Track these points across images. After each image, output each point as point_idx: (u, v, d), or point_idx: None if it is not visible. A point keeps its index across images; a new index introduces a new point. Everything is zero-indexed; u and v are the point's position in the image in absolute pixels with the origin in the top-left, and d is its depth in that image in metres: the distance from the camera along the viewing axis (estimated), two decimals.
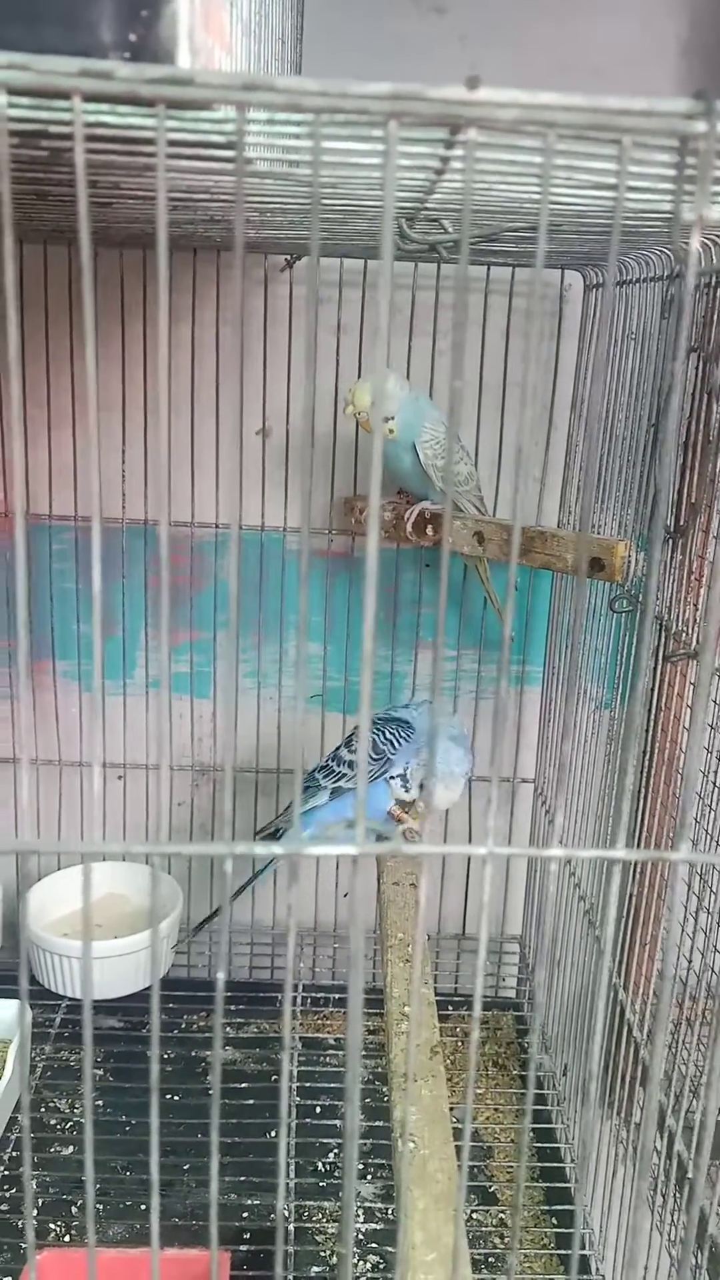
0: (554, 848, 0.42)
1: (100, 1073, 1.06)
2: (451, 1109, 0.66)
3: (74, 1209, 0.89)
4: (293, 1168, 0.94)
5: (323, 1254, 0.88)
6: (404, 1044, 0.69)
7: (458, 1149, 0.63)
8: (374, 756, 0.99)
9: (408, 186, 0.51)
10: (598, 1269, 0.88)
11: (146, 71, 0.33)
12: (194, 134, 0.43)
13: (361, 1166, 0.97)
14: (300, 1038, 1.12)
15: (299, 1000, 1.17)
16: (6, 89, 0.33)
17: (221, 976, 0.41)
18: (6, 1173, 0.91)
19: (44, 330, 1.04)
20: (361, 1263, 0.88)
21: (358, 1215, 0.92)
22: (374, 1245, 0.89)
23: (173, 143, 0.45)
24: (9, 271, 0.35)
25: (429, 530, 1.01)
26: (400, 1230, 0.59)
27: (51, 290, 1.03)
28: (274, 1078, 1.07)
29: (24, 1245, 0.85)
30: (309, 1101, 1.03)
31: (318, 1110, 1.02)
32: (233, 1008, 1.15)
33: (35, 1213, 0.89)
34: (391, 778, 0.98)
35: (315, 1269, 0.86)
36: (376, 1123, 0.99)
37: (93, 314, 0.37)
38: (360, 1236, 0.90)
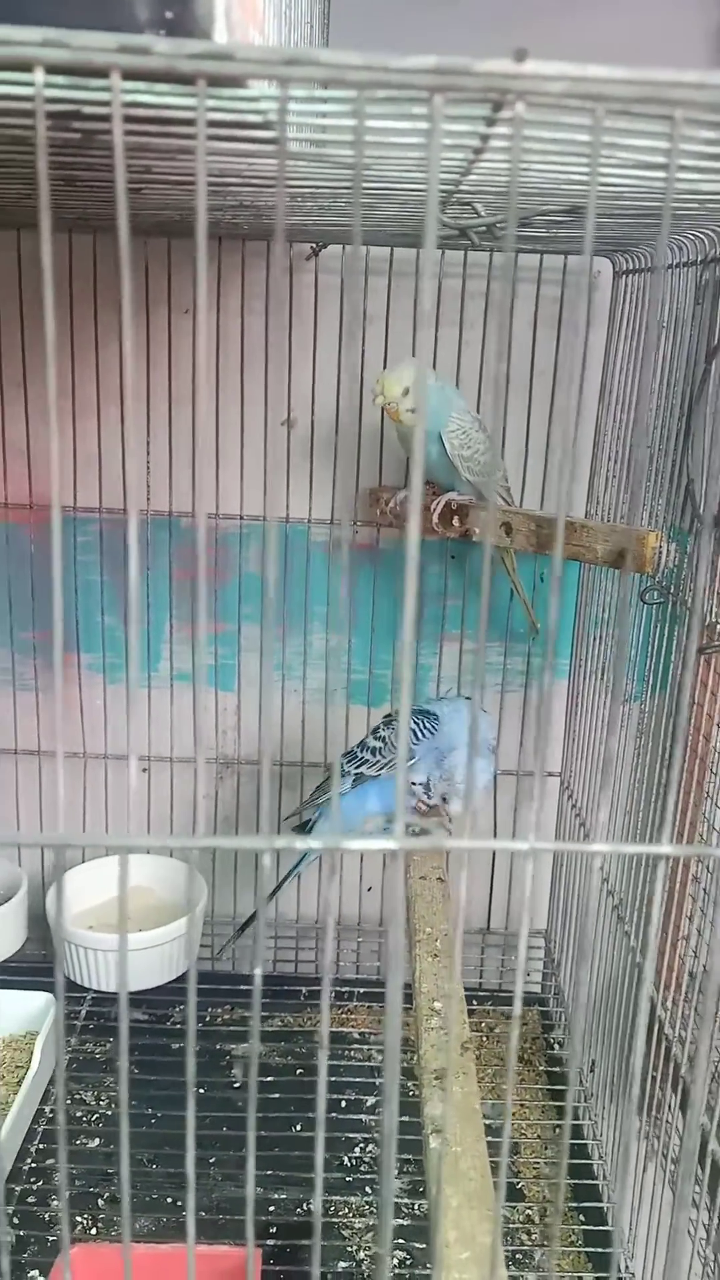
0: (598, 843, 0.41)
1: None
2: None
3: (100, 1202, 0.89)
4: (321, 1162, 0.93)
5: (349, 1249, 0.88)
6: (434, 1039, 0.69)
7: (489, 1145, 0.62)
8: (396, 747, 0.98)
9: (444, 168, 0.50)
10: (627, 1267, 0.87)
11: (186, 46, 0.33)
12: (231, 114, 0.43)
13: None
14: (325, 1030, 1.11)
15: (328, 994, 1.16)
16: (43, 66, 0.32)
17: (258, 973, 0.41)
18: (34, 1165, 0.91)
19: (68, 319, 1.04)
20: (389, 1258, 0.87)
21: None
22: (400, 1241, 0.89)
23: (208, 123, 0.44)
24: (47, 256, 0.34)
25: (455, 521, 1.00)
26: (433, 1228, 0.59)
27: (76, 279, 1.03)
28: (298, 1071, 1.07)
29: (51, 1238, 0.85)
30: (334, 1096, 1.02)
31: (343, 1105, 1.02)
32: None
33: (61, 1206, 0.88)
34: (415, 783, 0.97)
35: (343, 1264, 0.86)
36: (402, 1118, 0.98)
37: (130, 302, 0.36)
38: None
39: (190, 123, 0.44)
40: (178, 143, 0.48)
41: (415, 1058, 0.70)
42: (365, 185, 0.59)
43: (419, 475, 0.38)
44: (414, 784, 0.97)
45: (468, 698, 1.00)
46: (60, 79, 0.37)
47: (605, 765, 0.39)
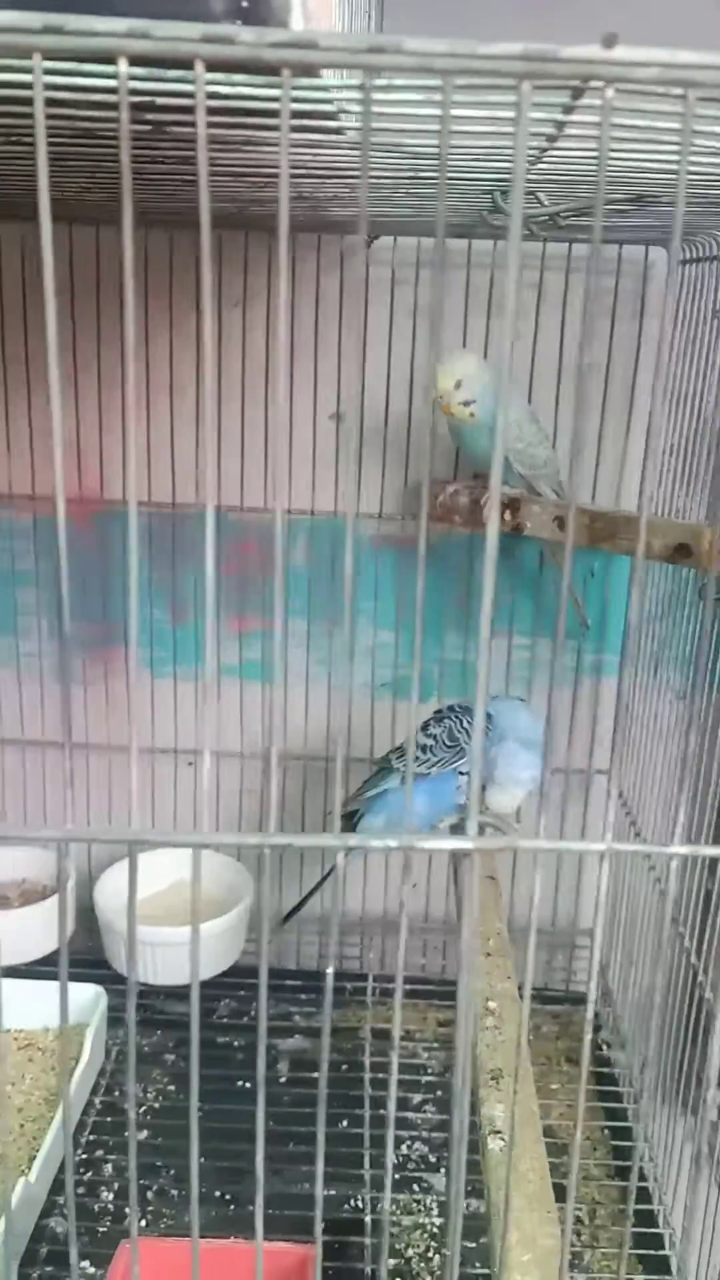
0: (676, 844, 0.40)
1: (171, 1058, 1.06)
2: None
3: (149, 1194, 0.90)
4: (367, 1159, 0.93)
5: (397, 1246, 0.87)
6: (490, 1039, 0.68)
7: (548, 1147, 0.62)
8: (448, 744, 0.97)
9: (513, 156, 0.49)
10: (678, 1268, 0.86)
11: (269, 35, 0.32)
12: (306, 104, 0.42)
13: (434, 1160, 0.96)
14: (370, 1029, 1.11)
15: (371, 991, 1.16)
16: (127, 57, 0.32)
17: (330, 971, 0.40)
18: (83, 1156, 0.92)
19: (115, 314, 1.04)
20: (436, 1256, 0.87)
21: (431, 1209, 0.91)
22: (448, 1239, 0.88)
23: (274, 113, 0.44)
24: (128, 250, 0.34)
25: (506, 515, 0.99)
26: (493, 1230, 0.58)
27: (122, 273, 1.03)
28: (343, 1067, 1.07)
29: (100, 1229, 0.86)
30: (381, 1093, 1.02)
31: (388, 1102, 1.01)
32: (301, 997, 1.15)
33: (110, 1198, 0.89)
34: (463, 772, 0.96)
35: (392, 1261, 0.86)
36: (448, 1115, 0.98)
37: (211, 296, 0.36)
38: (435, 1230, 0.89)
39: (260, 114, 0.44)
40: (245, 134, 0.47)
41: (471, 1056, 0.69)
42: (428, 175, 0.58)
43: (498, 471, 0.38)
44: (463, 772, 0.96)
45: (520, 699, 0.99)
46: (137, 70, 0.36)
47: (685, 764, 0.38)
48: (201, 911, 1.08)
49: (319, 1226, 0.42)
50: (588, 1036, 0.40)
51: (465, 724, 0.96)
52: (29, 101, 0.43)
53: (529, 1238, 0.55)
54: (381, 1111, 0.99)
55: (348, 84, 0.37)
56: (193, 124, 0.45)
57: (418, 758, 0.99)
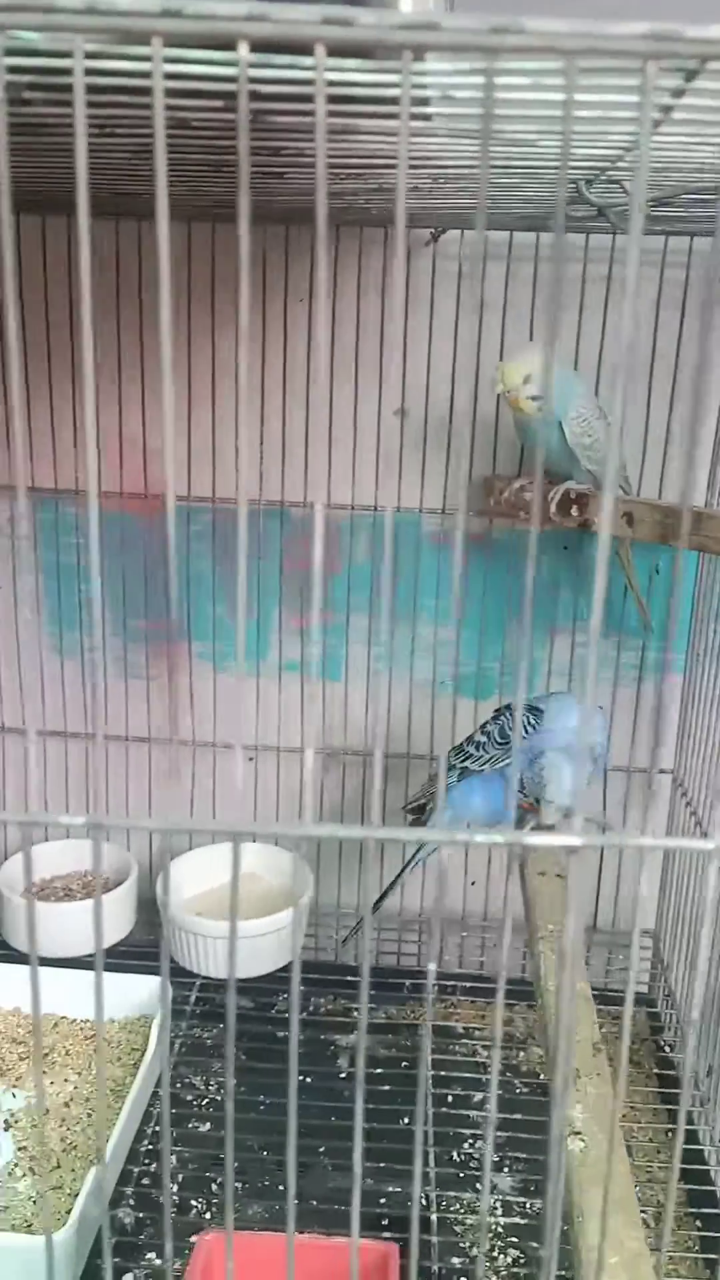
0: None
1: (234, 1051, 1.07)
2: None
3: (214, 1186, 0.90)
4: (431, 1156, 0.93)
5: (462, 1245, 0.87)
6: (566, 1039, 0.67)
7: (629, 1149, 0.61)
8: (499, 742, 0.97)
9: (610, 143, 0.49)
10: None
11: (390, 18, 0.32)
12: (395, 90, 0.42)
13: (498, 1159, 0.96)
14: (431, 1025, 1.10)
15: (431, 987, 1.15)
16: (248, 42, 0.32)
17: (433, 968, 0.40)
18: (149, 1147, 0.92)
19: (186, 308, 1.04)
20: (502, 1256, 0.86)
21: (496, 1208, 0.90)
22: (514, 1240, 0.88)
23: (375, 100, 0.43)
24: (244, 245, 0.34)
25: (574, 510, 0.98)
26: (574, 1231, 0.57)
27: (195, 267, 1.03)
28: (403, 1064, 1.06)
29: (162, 1221, 0.86)
30: (441, 1090, 1.02)
31: (450, 1099, 1.01)
32: (369, 993, 1.14)
33: (175, 1189, 0.89)
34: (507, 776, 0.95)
35: (456, 1260, 0.85)
36: (515, 1115, 0.98)
37: (327, 295, 0.35)
38: (499, 1229, 0.88)
39: (358, 100, 0.44)
40: (342, 122, 0.47)
41: (546, 1056, 0.68)
42: (516, 165, 0.58)
43: (614, 473, 0.37)
44: (506, 776, 0.95)
45: (568, 693, 0.97)
46: (252, 56, 0.36)
47: None
48: (266, 905, 1.09)
49: (415, 1226, 0.41)
50: (692, 1040, 0.39)
51: (510, 722, 0.95)
52: (123, 90, 0.43)
53: (615, 1241, 0.54)
54: (443, 1109, 0.99)
55: (471, 68, 0.36)
56: (292, 112, 0.45)
57: (472, 755, 0.98)
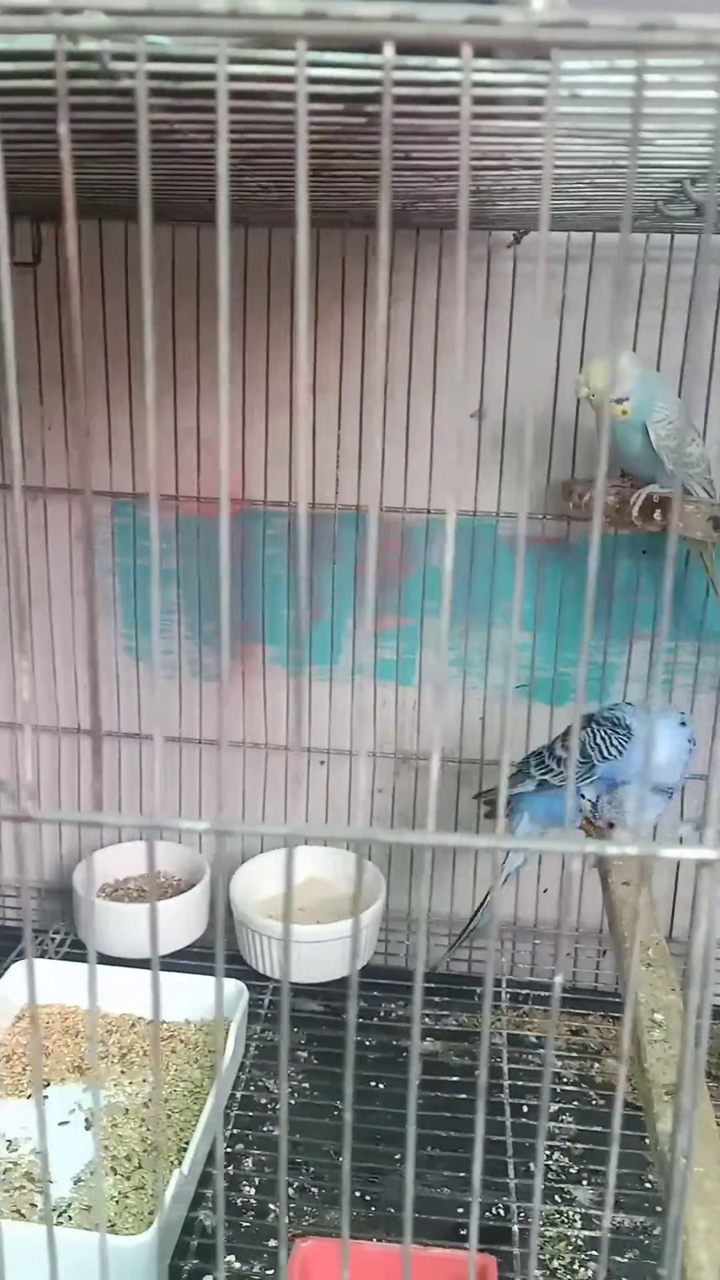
0: None
1: (305, 1055, 1.07)
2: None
3: (290, 1191, 0.90)
4: (510, 1167, 0.92)
5: (542, 1257, 0.86)
6: (659, 1052, 0.66)
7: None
8: (581, 760, 0.94)
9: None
10: None
11: (537, 16, 0.31)
12: (522, 89, 0.41)
13: (575, 1170, 0.95)
14: (506, 1034, 1.10)
15: (501, 996, 1.15)
16: (394, 42, 0.31)
17: (559, 980, 0.39)
18: (226, 1150, 0.92)
19: (265, 313, 1.04)
20: (582, 1269, 0.85)
21: (574, 1220, 0.89)
22: (594, 1253, 0.86)
23: (502, 100, 0.43)
24: (386, 243, 0.33)
25: (656, 515, 0.97)
26: (673, 1250, 0.56)
27: (274, 271, 1.03)
28: (477, 1072, 1.05)
29: (244, 1224, 0.86)
30: (517, 1100, 1.00)
31: (524, 1110, 1.00)
32: (433, 999, 1.14)
33: (253, 1192, 0.89)
34: (583, 796, 0.93)
35: (538, 1272, 0.84)
36: (593, 1127, 0.97)
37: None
38: (579, 1243, 0.87)
39: (483, 100, 0.43)
40: (452, 124, 0.47)
41: (639, 1071, 0.67)
42: (619, 165, 0.57)
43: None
44: (582, 798, 0.94)
45: (681, 713, 0.94)
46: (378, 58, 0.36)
47: None
48: (337, 909, 1.08)
49: (535, 1239, 0.41)
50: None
51: (598, 738, 0.93)
52: (244, 95, 0.43)
53: (719, 1258, 0.53)
54: (520, 1120, 0.98)
55: (609, 65, 0.36)
56: (414, 114, 0.44)
57: (550, 768, 0.97)
